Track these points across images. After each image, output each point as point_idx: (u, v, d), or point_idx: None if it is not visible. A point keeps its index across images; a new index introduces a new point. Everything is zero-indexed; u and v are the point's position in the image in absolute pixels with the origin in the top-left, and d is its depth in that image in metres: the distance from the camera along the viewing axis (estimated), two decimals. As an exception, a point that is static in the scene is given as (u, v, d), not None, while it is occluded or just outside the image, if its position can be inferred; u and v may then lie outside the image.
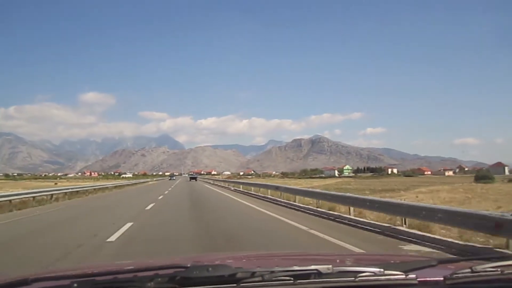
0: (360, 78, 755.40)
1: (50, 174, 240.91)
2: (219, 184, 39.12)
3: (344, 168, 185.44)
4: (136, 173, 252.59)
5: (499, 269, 1.15)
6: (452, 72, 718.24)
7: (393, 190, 30.85)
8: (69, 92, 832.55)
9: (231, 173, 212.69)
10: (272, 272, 1.08)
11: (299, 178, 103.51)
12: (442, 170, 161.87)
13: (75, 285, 1.00)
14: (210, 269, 1.06)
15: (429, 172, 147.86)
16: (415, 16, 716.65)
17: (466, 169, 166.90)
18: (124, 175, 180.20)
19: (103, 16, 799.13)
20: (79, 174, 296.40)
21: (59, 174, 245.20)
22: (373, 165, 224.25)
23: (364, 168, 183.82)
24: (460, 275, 1.14)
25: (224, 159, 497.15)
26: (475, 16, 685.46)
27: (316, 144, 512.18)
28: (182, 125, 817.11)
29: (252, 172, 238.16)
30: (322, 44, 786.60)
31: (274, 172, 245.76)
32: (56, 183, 55.18)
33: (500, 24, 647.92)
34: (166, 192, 25.97)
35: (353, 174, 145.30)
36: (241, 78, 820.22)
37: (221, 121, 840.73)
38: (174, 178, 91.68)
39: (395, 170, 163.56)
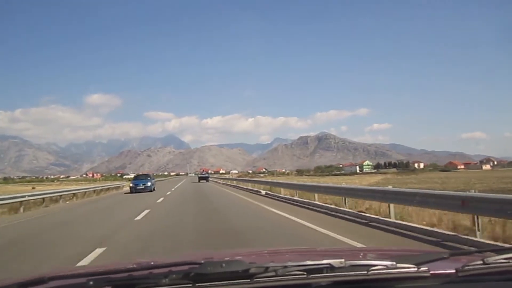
0: (366, 74, 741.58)
1: (52, 177, 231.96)
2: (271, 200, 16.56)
3: (364, 164, 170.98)
4: (139, 173, 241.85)
5: (511, 261, 1.14)
6: (458, 67, 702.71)
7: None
8: (74, 94, 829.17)
9: (241, 172, 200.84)
10: (285, 267, 1.07)
11: (320, 176, 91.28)
12: (478, 164, 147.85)
13: (91, 282, 0.99)
14: (223, 265, 1.05)
15: (462, 166, 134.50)
16: (421, 11, 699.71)
17: (495, 163, 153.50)
18: (126, 176, 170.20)
19: (108, 17, 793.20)
20: (84, 175, 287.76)
21: (61, 177, 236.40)
22: (381, 161, 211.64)
23: (385, 163, 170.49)
24: (472, 267, 1.13)
25: (230, 158, 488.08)
26: (482, 11, 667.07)
27: (322, 141, 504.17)
28: (187, 125, 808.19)
29: (264, 170, 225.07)
30: (327, 42, 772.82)
31: (285, 170, 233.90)
32: (33, 187, 44.23)
33: (508, 19, 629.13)
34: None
35: (375, 170, 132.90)
36: (246, 77, 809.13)
37: (227, 120, 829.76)
38: (147, 185, 26.38)
39: (421, 165, 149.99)
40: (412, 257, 1.24)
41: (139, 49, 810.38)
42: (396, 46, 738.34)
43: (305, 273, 1.07)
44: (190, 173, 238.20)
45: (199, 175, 54.35)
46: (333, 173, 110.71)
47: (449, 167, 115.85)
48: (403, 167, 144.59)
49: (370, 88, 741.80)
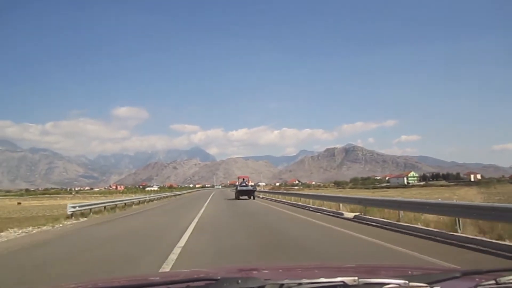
0: (394, 86, 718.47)
1: (78, 188, 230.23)
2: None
3: (409, 175, 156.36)
4: (163, 185, 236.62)
5: None
6: (488, 78, 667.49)
7: None
8: (102, 107, 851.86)
9: (269, 184, 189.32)
10: (300, 284, 1.08)
11: (369, 189, 77.34)
12: None
13: None
14: (239, 281, 1.07)
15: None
16: (448, 21, 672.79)
17: None
18: (149, 188, 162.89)
19: (135, 31, 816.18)
20: (109, 187, 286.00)
21: (86, 188, 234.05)
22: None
23: (432, 175, 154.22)
24: (484, 287, 1.12)
25: (256, 170, 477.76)
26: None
27: (350, 153, 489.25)
28: (213, 137, 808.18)
29: (297, 181, 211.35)
30: (353, 54, 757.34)
31: (315, 182, 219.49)
32: (19, 203, 34.91)
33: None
34: None
35: (423, 183, 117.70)
36: (272, 89, 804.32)
37: (252, 132, 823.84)
38: None
39: (478, 176, 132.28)
40: (425, 276, 1.24)
41: (166, 63, 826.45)
42: (424, 56, 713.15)
43: None
44: (216, 185, 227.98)
45: (238, 187, 33.19)
46: (379, 185, 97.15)
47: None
48: (454, 179, 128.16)
49: (397, 100, 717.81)
